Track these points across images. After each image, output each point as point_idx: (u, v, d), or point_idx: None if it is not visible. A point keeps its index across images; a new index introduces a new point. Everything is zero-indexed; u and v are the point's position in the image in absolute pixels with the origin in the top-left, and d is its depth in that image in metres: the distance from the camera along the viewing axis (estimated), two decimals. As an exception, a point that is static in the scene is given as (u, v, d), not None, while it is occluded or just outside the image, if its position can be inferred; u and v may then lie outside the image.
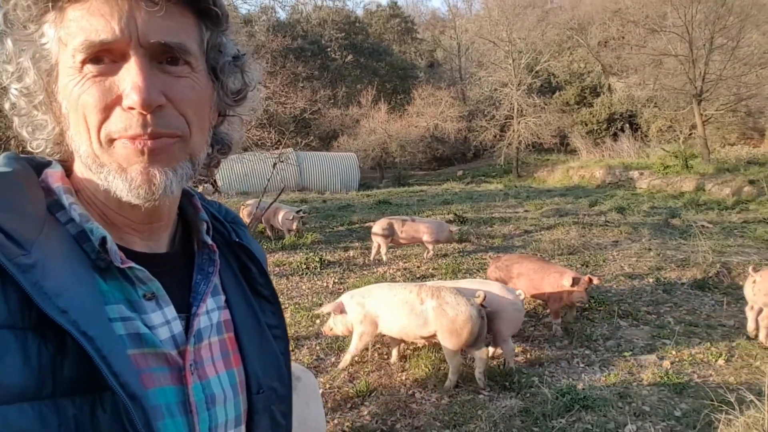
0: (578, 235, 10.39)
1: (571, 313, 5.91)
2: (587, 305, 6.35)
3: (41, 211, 0.71)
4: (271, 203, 10.99)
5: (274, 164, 10.58)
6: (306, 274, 8.19)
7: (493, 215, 13.62)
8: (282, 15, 34.00)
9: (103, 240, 0.72)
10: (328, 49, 33.63)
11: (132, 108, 0.68)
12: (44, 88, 0.73)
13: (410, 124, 28.21)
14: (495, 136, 28.83)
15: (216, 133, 0.86)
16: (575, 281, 5.38)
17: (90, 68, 0.69)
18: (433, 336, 4.73)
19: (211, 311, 0.85)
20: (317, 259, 8.70)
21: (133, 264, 0.74)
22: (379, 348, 5.51)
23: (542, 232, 11.11)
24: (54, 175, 0.77)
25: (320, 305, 6.21)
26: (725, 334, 5.68)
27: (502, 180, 26.35)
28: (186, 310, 0.81)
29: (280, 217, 10.79)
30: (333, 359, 5.32)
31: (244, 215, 11.25)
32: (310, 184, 23.10)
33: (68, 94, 0.71)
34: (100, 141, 0.71)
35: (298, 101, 12.03)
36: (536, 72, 29.59)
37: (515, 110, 28.26)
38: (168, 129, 0.72)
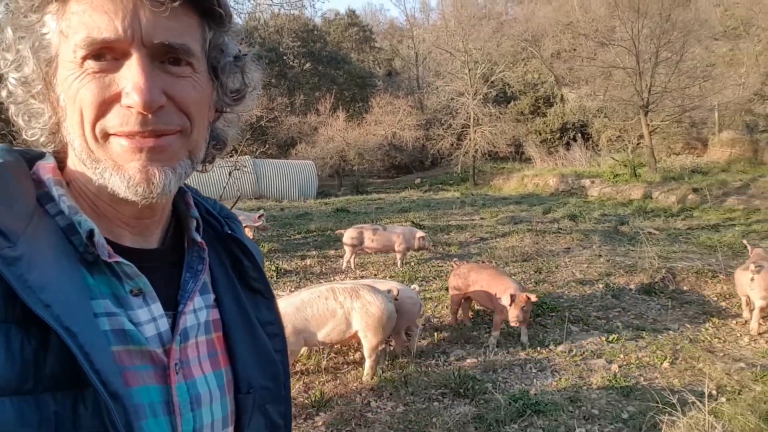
0: (532, 242, 10.61)
1: (524, 326, 5.91)
2: (537, 314, 6.47)
3: (30, 204, 0.70)
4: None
5: (230, 172, 10.41)
6: (261, 283, 8.07)
7: (450, 223, 13.76)
8: (239, 21, 33.54)
9: (91, 233, 0.71)
10: (285, 57, 33.40)
11: (131, 107, 0.68)
12: (43, 78, 0.73)
13: (368, 132, 28.28)
14: (452, 145, 29.18)
15: (212, 129, 0.85)
16: (512, 299, 5.41)
17: (90, 64, 0.68)
18: (353, 336, 4.83)
19: (199, 310, 0.83)
20: (273, 269, 8.59)
21: (120, 258, 0.73)
22: (333, 357, 5.47)
23: (498, 240, 11.29)
24: (45, 167, 0.76)
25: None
26: (670, 337, 5.88)
27: (459, 188, 26.70)
28: (173, 307, 0.80)
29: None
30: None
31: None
32: (268, 192, 22.83)
33: (67, 87, 0.70)
34: (95, 136, 0.70)
35: (254, 109, 11.90)
36: (492, 82, 30.16)
37: (471, 119, 28.70)
38: (169, 126, 0.71)
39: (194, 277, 0.84)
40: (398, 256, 9.20)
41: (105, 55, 0.69)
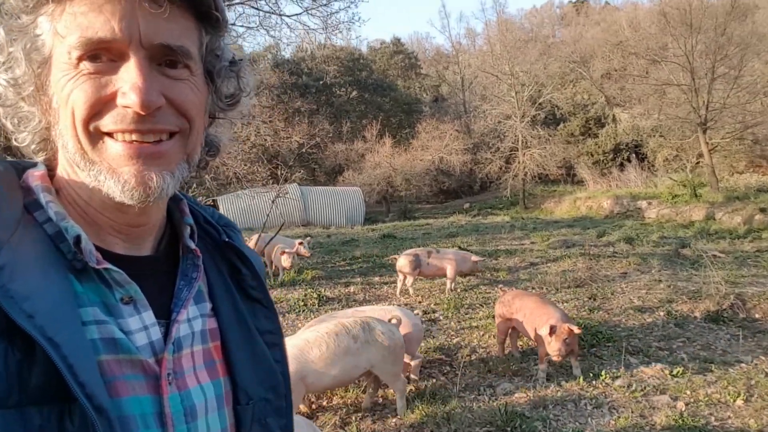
0: (585, 267, 10.10)
1: (573, 359, 5.49)
2: (591, 344, 6.04)
3: (16, 212, 0.69)
4: (271, 238, 10.82)
5: (273, 199, 10.45)
6: (303, 311, 7.93)
7: (499, 247, 13.36)
8: (287, 53, 34.52)
9: (77, 239, 0.69)
10: (332, 86, 33.97)
11: (128, 107, 0.66)
12: (34, 80, 0.71)
13: (415, 157, 28.21)
14: (500, 168, 28.75)
15: (206, 135, 0.84)
16: (552, 330, 5.01)
17: (86, 65, 0.67)
18: (364, 373, 4.55)
19: (194, 319, 0.81)
20: (315, 296, 8.46)
21: (109, 265, 0.71)
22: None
23: (548, 264, 10.83)
24: (34, 175, 0.75)
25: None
26: (743, 371, 5.34)
27: (509, 212, 26.15)
28: (166, 316, 0.77)
29: (272, 253, 10.55)
30: (324, 402, 5.03)
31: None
32: (315, 218, 22.98)
33: (60, 88, 0.68)
34: (89, 134, 0.68)
35: (295, 135, 11.96)
36: (540, 104, 29.69)
37: (520, 142, 28.25)
38: (167, 126, 0.70)
39: (188, 285, 0.81)
40: (449, 282, 8.90)
41: (101, 56, 0.67)
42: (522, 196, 27.85)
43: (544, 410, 4.72)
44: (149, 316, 0.75)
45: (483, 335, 6.70)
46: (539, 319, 5.36)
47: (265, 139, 10.38)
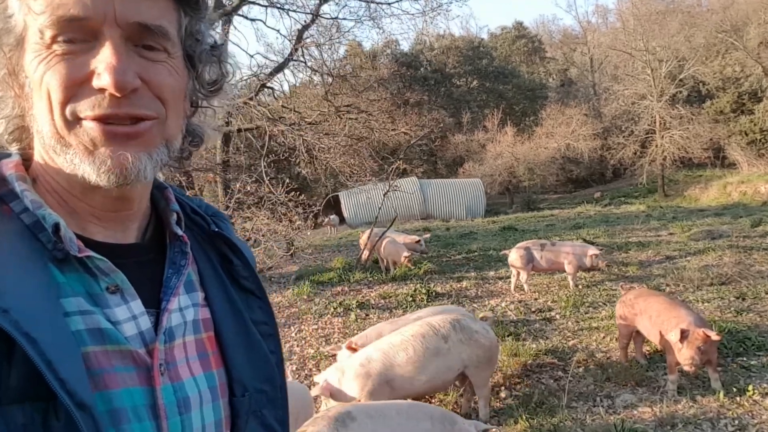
0: (734, 262, 8.84)
1: (711, 370, 4.71)
2: (737, 353, 5.17)
3: None
4: (383, 233, 10.77)
5: (385, 194, 10.38)
6: (410, 307, 7.74)
7: (630, 239, 12.19)
8: (405, 47, 34.62)
9: (56, 227, 0.67)
10: (452, 77, 33.48)
11: (104, 89, 0.64)
12: (6, 64, 0.68)
13: (539, 145, 26.88)
14: (635, 153, 26.47)
15: (188, 124, 0.81)
16: (683, 335, 4.26)
17: (59, 46, 0.64)
18: (456, 377, 4.18)
19: (185, 308, 0.78)
20: (424, 291, 8.23)
21: (92, 253, 0.68)
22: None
23: (688, 258, 9.64)
24: (8, 164, 0.72)
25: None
26: None
27: (646, 200, 24.01)
28: (156, 305, 0.75)
29: (382, 247, 10.47)
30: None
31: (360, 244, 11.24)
32: (435, 211, 22.75)
33: (32, 70, 0.66)
34: (65, 119, 0.65)
35: (402, 127, 11.85)
36: (680, 80, 26.83)
37: (657, 123, 25.79)
38: (144, 110, 0.67)
39: (177, 273, 0.78)
40: (569, 277, 8.23)
41: (75, 36, 0.64)
42: (661, 183, 25.44)
43: (672, 429, 4.08)
44: (137, 306, 0.72)
45: (604, 337, 6.04)
46: (668, 322, 4.67)
47: (372, 132, 10.38)
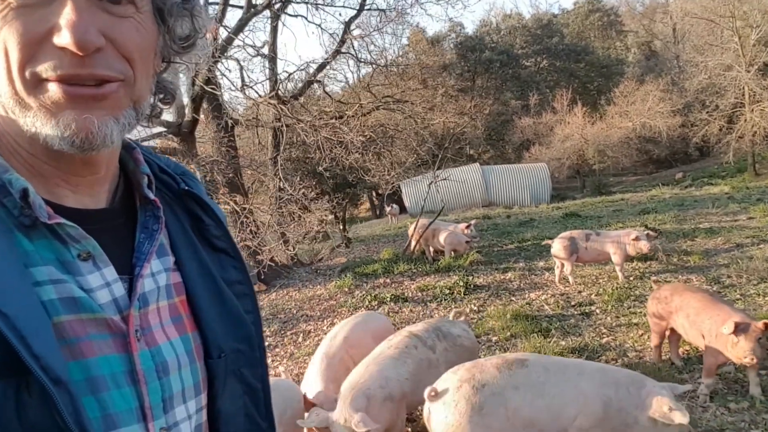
0: (812, 250, 7.97)
1: (751, 375, 4.25)
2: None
3: None
4: (430, 223, 10.62)
5: (430, 184, 10.21)
6: (445, 300, 7.59)
7: (700, 225, 11.30)
8: (470, 30, 33.81)
9: (24, 192, 0.64)
10: (520, 58, 32.36)
11: (64, 48, 0.60)
12: None
13: (610, 126, 25.47)
14: (721, 130, 24.45)
15: (159, 80, 0.79)
16: (739, 329, 3.84)
17: None
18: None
19: (158, 273, 0.77)
20: (462, 284, 8.02)
21: (62, 220, 0.66)
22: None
23: (761, 246, 8.80)
24: None
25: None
26: None
27: (732, 180, 22.13)
28: (128, 272, 0.74)
29: (441, 237, 10.34)
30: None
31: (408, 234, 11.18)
32: (498, 198, 22.17)
33: None
34: (25, 80, 0.62)
35: (439, 117, 11.56)
36: (774, 47, 24.43)
37: (747, 96, 23.64)
38: (110, 72, 0.64)
39: (149, 237, 0.77)
40: (617, 268, 7.75)
41: None
42: (751, 161, 23.37)
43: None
44: (110, 272, 0.70)
45: (641, 335, 5.63)
46: (710, 320, 4.25)
47: (415, 121, 10.22)
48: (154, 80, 0.76)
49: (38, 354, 0.57)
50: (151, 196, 0.79)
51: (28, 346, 0.57)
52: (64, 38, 0.60)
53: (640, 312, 6.31)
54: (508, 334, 5.93)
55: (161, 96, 0.81)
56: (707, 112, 25.13)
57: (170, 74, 0.81)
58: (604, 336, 5.75)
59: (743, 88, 23.87)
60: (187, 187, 0.86)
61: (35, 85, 0.62)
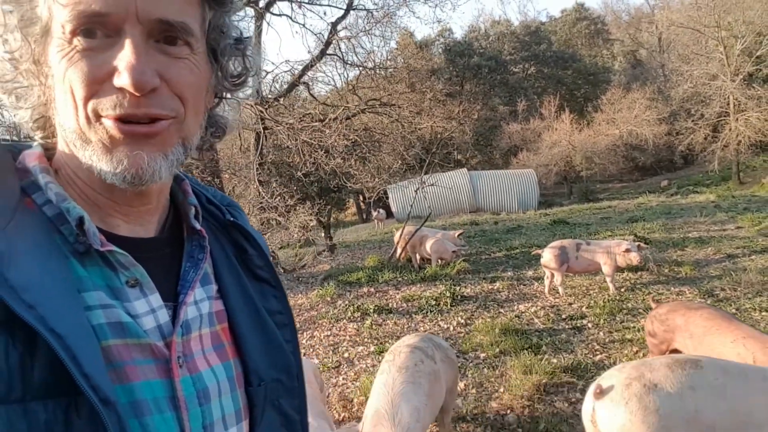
0: (805, 262, 7.81)
1: None
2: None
3: (13, 198, 0.67)
4: (417, 230, 10.34)
5: (417, 189, 9.93)
6: (431, 312, 7.29)
7: (689, 235, 11.16)
8: (458, 35, 33.74)
9: (80, 220, 0.68)
10: (508, 64, 32.31)
11: (123, 88, 0.64)
12: (31, 54, 0.69)
13: (598, 132, 25.45)
14: (706, 138, 24.55)
15: (211, 115, 0.82)
16: None
17: (80, 41, 0.65)
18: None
19: (200, 301, 0.79)
20: (449, 294, 7.74)
21: (113, 247, 0.69)
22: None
23: (752, 258, 8.65)
24: (32, 155, 0.73)
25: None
26: None
27: (718, 189, 22.21)
28: (173, 299, 0.76)
29: (428, 245, 10.07)
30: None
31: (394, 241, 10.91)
32: (485, 204, 21.98)
33: (56, 64, 0.66)
34: (87, 116, 0.66)
35: (427, 121, 11.30)
36: (758, 57, 24.60)
37: (732, 105, 23.77)
38: (162, 110, 0.68)
39: (195, 266, 0.79)
40: (608, 279, 7.52)
41: (96, 31, 0.65)
42: (735, 170, 23.50)
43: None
44: (156, 299, 0.73)
45: (636, 352, 5.38)
46: (719, 340, 3.97)
47: (401, 125, 9.94)
48: (205, 116, 0.78)
49: (89, 374, 0.59)
50: (197, 226, 0.81)
51: (79, 366, 0.58)
52: (123, 80, 0.63)
53: (634, 327, 6.07)
54: (497, 350, 5.65)
55: (212, 130, 0.83)
56: (692, 121, 25.25)
57: (222, 109, 0.84)
58: (598, 353, 5.49)
59: (728, 97, 24.00)
60: (232, 218, 0.89)
61: (96, 120, 0.66)
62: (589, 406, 2.98)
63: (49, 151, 0.75)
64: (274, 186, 8.62)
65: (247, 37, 0.80)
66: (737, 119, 23.38)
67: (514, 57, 32.87)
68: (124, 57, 0.63)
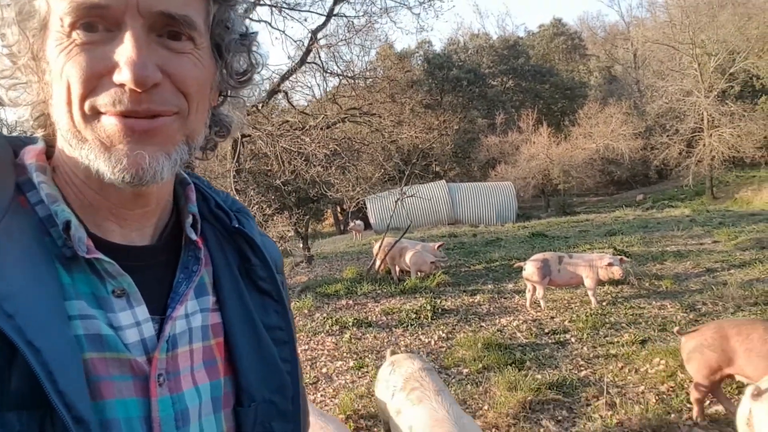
0: (783, 276, 7.84)
1: None
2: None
3: (6, 196, 0.65)
4: (396, 241, 10.16)
5: (396, 201, 9.76)
6: (412, 326, 7.10)
7: (667, 248, 11.19)
8: (437, 47, 33.90)
9: (67, 224, 0.65)
10: (486, 77, 32.54)
11: (123, 84, 0.61)
12: (30, 49, 0.67)
13: (575, 146, 25.70)
14: (680, 153, 24.98)
15: (215, 114, 0.78)
16: None
17: (79, 34, 0.62)
18: None
19: (192, 314, 0.75)
20: (429, 307, 7.56)
21: (100, 255, 0.66)
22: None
23: (731, 272, 8.66)
24: (31, 152, 0.71)
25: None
26: None
27: (692, 203, 22.52)
28: (163, 312, 0.72)
29: (407, 257, 9.89)
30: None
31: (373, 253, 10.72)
32: (464, 216, 21.93)
33: (53, 59, 0.64)
34: (84, 113, 0.63)
35: (409, 131, 11.19)
36: (731, 75, 25.16)
37: (705, 121, 24.24)
38: (165, 107, 0.65)
39: (188, 278, 0.75)
40: (590, 292, 7.43)
41: (96, 25, 0.62)
42: (709, 185, 23.91)
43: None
44: (142, 311, 0.69)
45: (621, 368, 5.27)
46: None
47: (381, 135, 9.80)
48: (209, 114, 0.75)
49: (63, 390, 0.57)
50: (193, 236, 0.77)
51: (54, 382, 0.56)
52: (123, 75, 0.61)
53: (618, 341, 5.97)
54: (480, 365, 5.48)
55: (216, 129, 0.80)
56: (668, 136, 25.68)
57: (227, 107, 0.80)
58: (582, 369, 5.36)
59: (702, 113, 24.46)
60: (237, 225, 0.84)
61: (93, 117, 0.63)
62: (745, 408, 2.92)
63: (51, 148, 0.72)
64: (251, 195, 8.36)
65: (254, 33, 0.77)
66: (711, 135, 23.83)
67: (492, 70, 33.14)
68: (125, 51, 0.61)
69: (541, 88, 33.91)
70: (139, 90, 0.61)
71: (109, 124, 0.63)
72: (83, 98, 0.62)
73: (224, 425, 0.75)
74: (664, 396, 4.63)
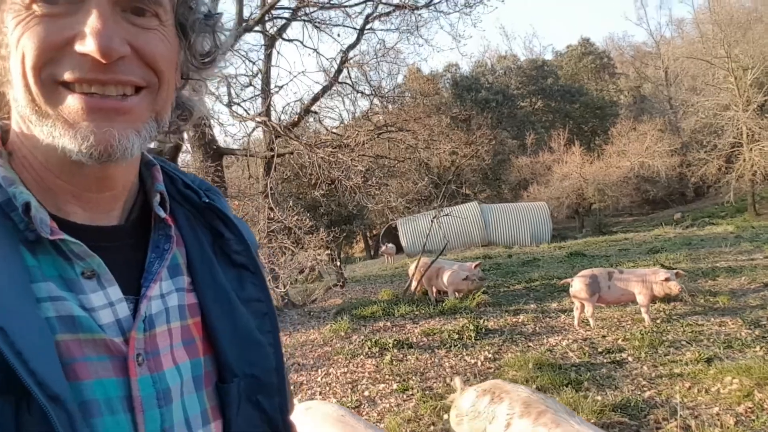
0: None
1: None
2: None
3: None
4: (432, 261, 9.89)
5: (433, 218, 9.53)
6: (455, 346, 6.78)
7: (718, 265, 10.66)
8: (466, 70, 33.91)
9: (27, 206, 0.63)
10: (515, 98, 32.35)
11: (87, 54, 0.59)
12: None
13: (609, 165, 25.16)
14: (719, 169, 24.21)
15: (178, 96, 0.76)
16: None
17: (39, 6, 0.59)
18: None
19: (168, 294, 0.73)
20: (472, 327, 7.24)
21: (65, 236, 0.64)
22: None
23: (792, 287, 8.12)
24: None
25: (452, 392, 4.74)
26: None
27: (734, 221, 21.69)
28: (137, 292, 0.70)
29: (445, 277, 9.61)
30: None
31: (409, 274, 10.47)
32: (497, 238, 21.51)
33: (9, 32, 0.61)
34: (41, 84, 0.60)
35: (442, 146, 11.01)
36: (770, 88, 24.46)
37: (744, 136, 23.49)
38: (132, 77, 0.63)
39: (160, 257, 0.74)
40: (643, 310, 7.02)
41: None
42: (751, 201, 23.02)
43: None
44: (115, 292, 0.67)
45: (689, 388, 4.86)
46: None
47: (416, 151, 9.65)
48: (174, 94, 0.73)
49: (34, 370, 0.55)
50: (162, 214, 0.75)
51: (24, 362, 0.55)
52: (87, 45, 0.58)
53: (680, 360, 5.56)
54: (534, 386, 5.12)
55: (179, 112, 0.78)
56: (705, 152, 24.95)
57: (189, 91, 0.79)
58: (646, 389, 4.97)
59: (741, 127, 23.74)
60: (207, 200, 0.82)
61: (53, 90, 0.60)
62: None
63: (7, 133, 0.69)
64: (290, 204, 8.24)
65: (218, 14, 0.75)
66: (751, 149, 23.06)
67: (521, 91, 32.95)
68: (90, 22, 0.58)
69: (570, 108, 33.53)
70: (104, 61, 0.59)
71: (73, 100, 0.60)
72: (38, 68, 0.59)
73: (207, 403, 0.73)
74: (743, 418, 4.22)
